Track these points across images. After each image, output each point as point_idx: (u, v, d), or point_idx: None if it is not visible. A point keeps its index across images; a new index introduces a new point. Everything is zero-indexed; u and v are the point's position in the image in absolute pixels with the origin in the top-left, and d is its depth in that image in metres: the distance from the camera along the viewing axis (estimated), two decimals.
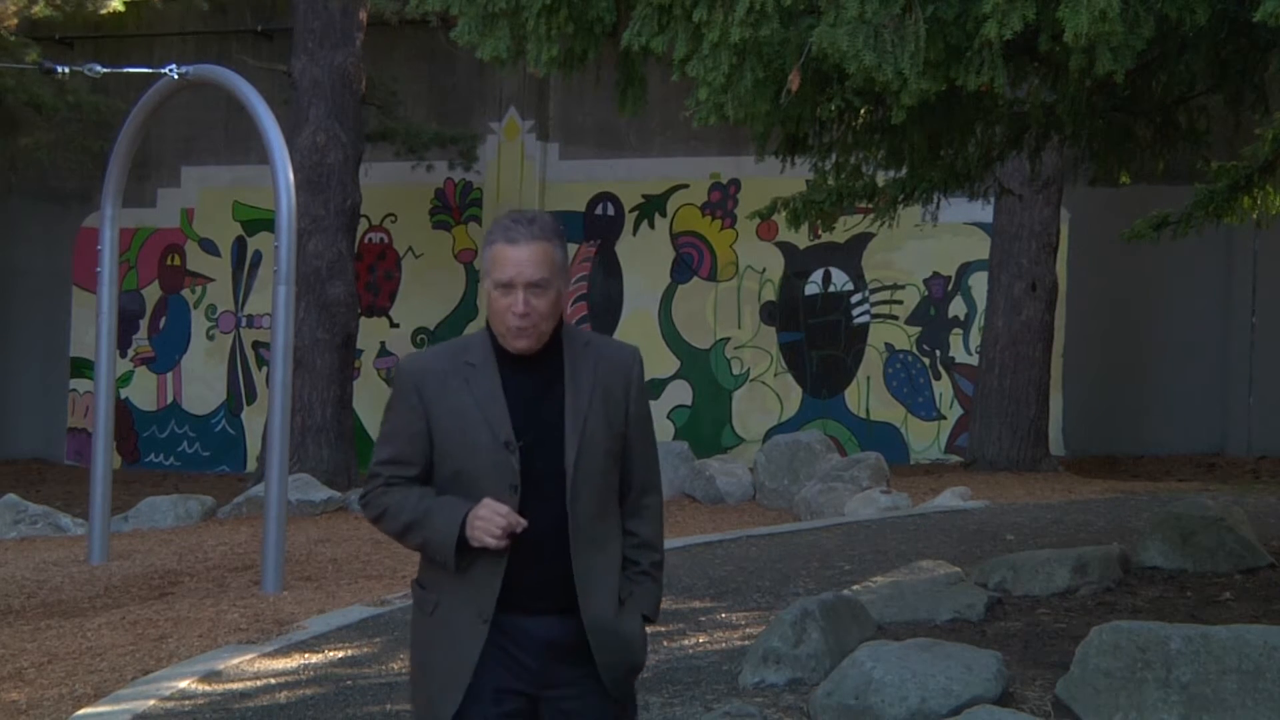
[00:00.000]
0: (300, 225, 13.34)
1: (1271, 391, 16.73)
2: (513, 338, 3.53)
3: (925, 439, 17.73)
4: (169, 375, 20.46)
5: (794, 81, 5.55)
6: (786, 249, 18.21)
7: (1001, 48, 5.38)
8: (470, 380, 3.56)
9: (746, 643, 6.81)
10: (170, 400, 20.43)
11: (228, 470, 19.70)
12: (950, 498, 11.93)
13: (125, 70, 12.65)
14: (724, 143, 17.54)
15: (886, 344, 17.95)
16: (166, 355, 20.49)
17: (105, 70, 12.09)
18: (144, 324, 20.52)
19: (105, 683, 7.11)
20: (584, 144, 19.01)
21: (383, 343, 19.51)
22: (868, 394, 18.00)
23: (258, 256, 19.96)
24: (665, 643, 6.96)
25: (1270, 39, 6.19)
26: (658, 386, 18.18)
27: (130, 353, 20.36)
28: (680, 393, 18.53)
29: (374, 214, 19.11)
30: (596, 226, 18.93)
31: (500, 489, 3.50)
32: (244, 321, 20.15)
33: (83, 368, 19.80)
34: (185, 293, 20.44)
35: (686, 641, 7.06)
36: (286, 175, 9.97)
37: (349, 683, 6.86)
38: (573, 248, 17.73)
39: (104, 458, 10.90)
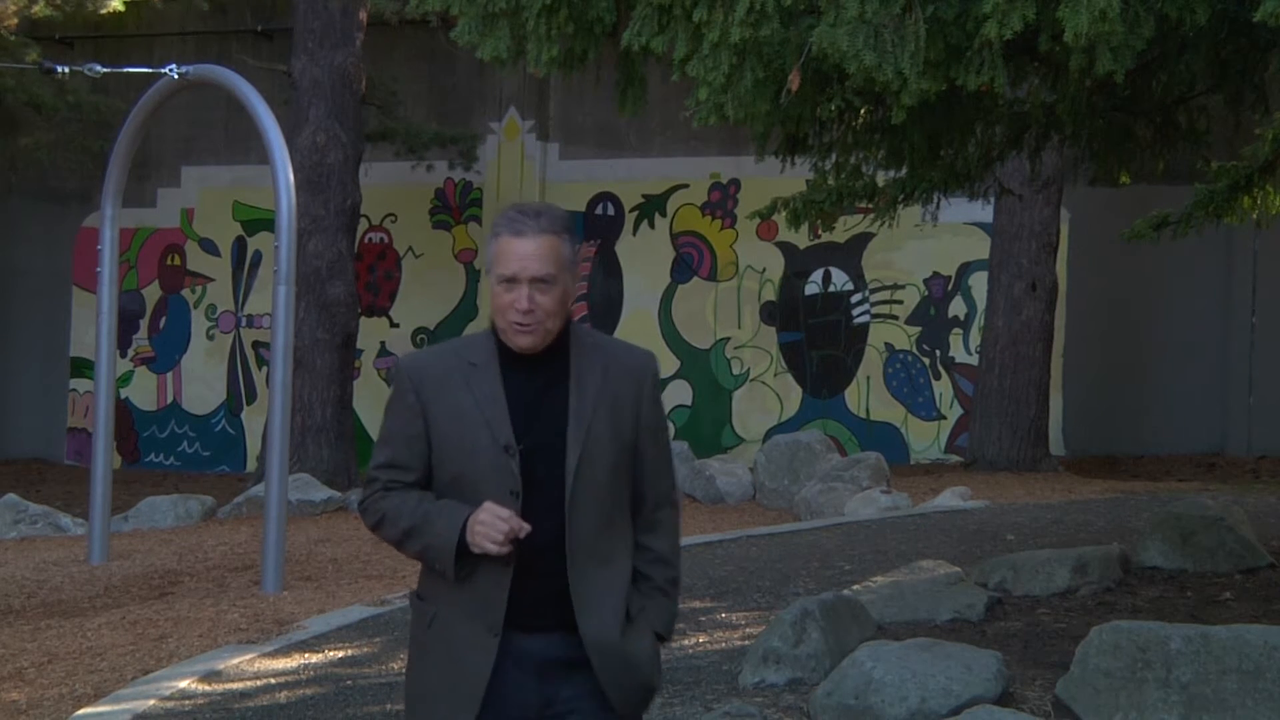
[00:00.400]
0: (300, 225, 13.33)
1: (1271, 391, 16.72)
2: (515, 334, 3.36)
3: (925, 439, 17.72)
4: (169, 375, 20.45)
5: (794, 81, 5.55)
6: (786, 249, 18.21)
7: (1001, 48, 5.38)
8: (471, 380, 3.38)
9: (746, 643, 6.80)
10: (170, 400, 20.42)
11: (228, 470, 19.69)
12: (950, 498, 11.92)
13: (125, 70, 12.65)
14: (724, 143, 17.52)
15: (886, 344, 17.95)
16: (166, 355, 20.48)
17: (105, 70, 12.10)
18: (144, 324, 20.51)
19: (105, 683, 7.11)
20: (584, 144, 19.00)
21: (383, 343, 19.50)
22: (868, 394, 18.00)
23: (258, 256, 19.95)
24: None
25: (1270, 39, 6.19)
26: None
27: (130, 353, 20.35)
28: (680, 393, 18.52)
29: (374, 214, 19.10)
30: (596, 226, 18.92)
31: (501, 495, 3.32)
32: (244, 321, 20.14)
33: (83, 368, 19.79)
34: (185, 293, 20.43)
35: (686, 641, 7.05)
36: (286, 175, 9.97)
37: (349, 683, 6.86)
38: None
39: (104, 458, 10.90)
